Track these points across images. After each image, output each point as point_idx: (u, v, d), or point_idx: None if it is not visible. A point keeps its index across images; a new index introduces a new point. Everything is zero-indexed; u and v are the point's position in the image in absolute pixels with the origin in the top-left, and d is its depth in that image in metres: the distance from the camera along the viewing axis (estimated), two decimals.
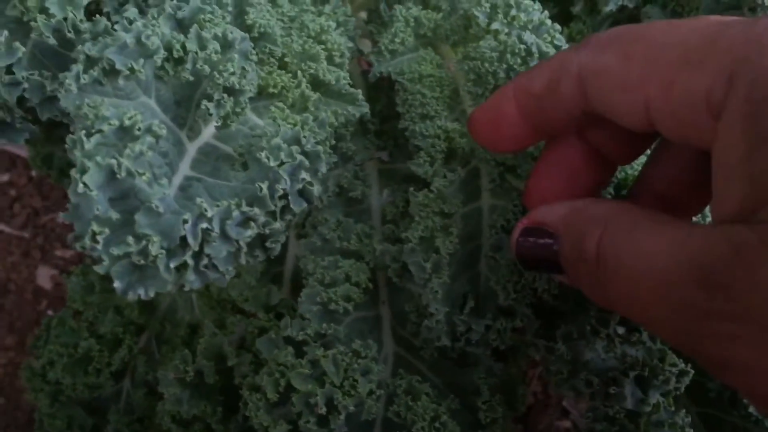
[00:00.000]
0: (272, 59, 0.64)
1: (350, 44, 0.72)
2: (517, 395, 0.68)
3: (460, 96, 0.68)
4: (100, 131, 0.47)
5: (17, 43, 0.58)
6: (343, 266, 0.67)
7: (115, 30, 0.55)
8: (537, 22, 0.64)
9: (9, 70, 0.58)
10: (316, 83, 0.65)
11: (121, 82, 0.49)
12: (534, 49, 0.61)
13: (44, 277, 1.48)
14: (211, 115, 0.54)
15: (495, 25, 0.63)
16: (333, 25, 0.70)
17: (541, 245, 0.47)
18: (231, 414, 0.77)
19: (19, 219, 1.51)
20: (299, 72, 0.64)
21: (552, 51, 0.62)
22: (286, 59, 0.66)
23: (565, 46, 0.63)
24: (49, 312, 1.47)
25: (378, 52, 0.73)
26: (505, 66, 0.62)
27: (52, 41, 0.59)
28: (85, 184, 0.45)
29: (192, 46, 0.53)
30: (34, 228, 1.51)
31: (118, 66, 0.49)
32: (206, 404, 0.74)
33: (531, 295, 0.58)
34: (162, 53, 0.50)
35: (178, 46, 0.52)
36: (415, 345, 0.67)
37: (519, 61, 0.62)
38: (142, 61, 0.50)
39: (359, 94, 0.66)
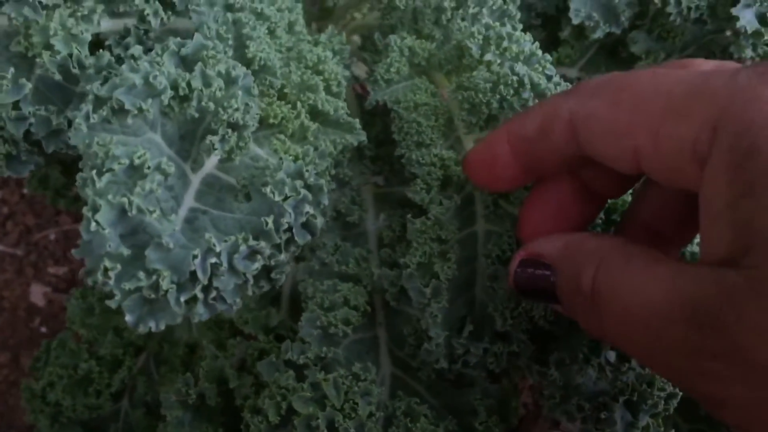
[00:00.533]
0: (272, 90, 0.66)
1: (346, 73, 0.74)
2: (510, 409, 0.70)
3: (454, 124, 0.70)
4: (110, 170, 0.48)
5: (23, 80, 0.59)
6: (342, 290, 0.69)
7: (121, 66, 0.57)
8: (528, 53, 0.67)
9: (16, 105, 0.60)
10: (315, 113, 0.67)
11: (129, 120, 0.51)
12: (526, 80, 0.63)
13: (37, 294, 1.49)
14: (215, 149, 0.55)
15: (488, 57, 0.66)
16: (330, 54, 0.72)
17: (539, 276, 0.49)
18: None
19: (11, 236, 1.52)
20: (298, 103, 0.66)
21: (543, 81, 0.64)
22: (285, 90, 0.67)
23: (556, 77, 0.65)
24: (43, 329, 1.47)
25: (374, 81, 0.75)
26: (498, 96, 0.64)
27: (57, 77, 0.61)
28: (97, 222, 0.47)
29: (197, 83, 0.54)
30: (27, 245, 1.52)
31: (127, 106, 0.50)
32: (208, 426, 0.75)
33: (527, 321, 0.60)
34: (169, 92, 0.52)
35: (183, 84, 0.54)
36: (413, 366, 0.69)
37: (511, 91, 0.64)
38: (150, 100, 0.51)
39: (357, 122, 0.68)
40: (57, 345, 0.90)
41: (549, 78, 0.66)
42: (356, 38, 0.92)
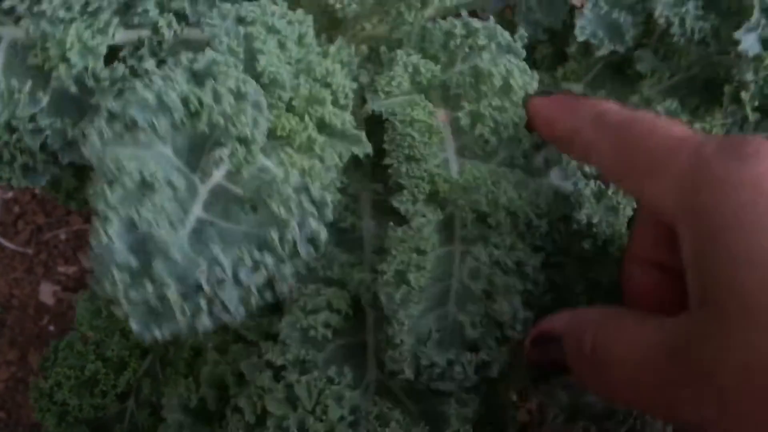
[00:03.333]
0: (281, 103, 0.68)
1: (354, 85, 0.75)
2: (507, 419, 0.70)
3: (444, 145, 0.71)
4: (122, 184, 0.50)
5: (41, 93, 0.61)
6: (325, 294, 0.70)
7: (134, 79, 0.58)
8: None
9: (32, 118, 0.61)
10: (322, 125, 0.69)
11: (141, 135, 0.53)
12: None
13: (47, 293, 1.51)
14: (224, 162, 0.57)
15: (491, 97, 0.67)
16: (339, 67, 0.73)
17: (551, 348, 0.56)
18: None
19: (22, 235, 1.54)
20: (306, 115, 0.67)
21: None
22: (294, 102, 0.69)
23: None
24: (51, 328, 1.50)
25: (374, 91, 0.76)
26: (495, 138, 0.66)
27: (73, 89, 0.62)
28: (107, 235, 0.48)
29: (207, 99, 0.56)
30: (37, 244, 1.54)
31: (140, 123, 0.52)
32: (208, 431, 0.77)
33: (496, 327, 0.61)
34: (180, 109, 0.54)
35: (194, 101, 0.55)
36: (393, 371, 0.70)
37: (511, 131, 0.66)
38: (161, 117, 0.53)
39: (363, 135, 0.69)
40: (65, 346, 0.92)
41: None
42: (364, 48, 0.94)
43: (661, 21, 0.77)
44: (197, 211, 0.59)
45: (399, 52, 0.77)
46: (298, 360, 0.65)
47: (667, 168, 0.48)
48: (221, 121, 0.56)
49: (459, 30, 0.75)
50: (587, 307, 0.57)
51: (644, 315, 0.50)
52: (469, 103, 0.70)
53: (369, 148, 0.70)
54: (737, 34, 0.71)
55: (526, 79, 0.69)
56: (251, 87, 0.58)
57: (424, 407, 0.68)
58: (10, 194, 1.56)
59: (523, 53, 0.76)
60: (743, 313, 0.41)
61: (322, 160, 0.65)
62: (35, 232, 1.54)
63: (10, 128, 0.61)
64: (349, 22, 0.93)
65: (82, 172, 1.06)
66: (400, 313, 0.61)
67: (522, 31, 0.76)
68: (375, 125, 0.83)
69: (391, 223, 0.67)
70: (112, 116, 0.52)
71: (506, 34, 0.75)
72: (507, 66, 0.70)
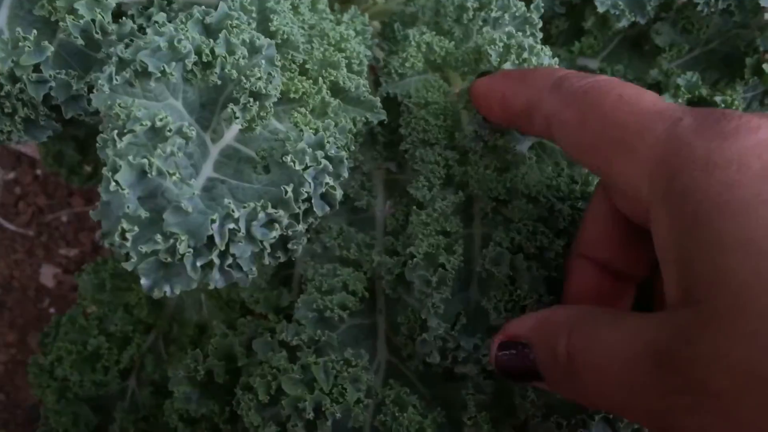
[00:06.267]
0: (294, 65, 0.66)
1: (368, 53, 0.73)
2: (514, 404, 0.69)
3: (461, 125, 0.70)
4: (131, 131, 0.48)
5: (46, 42, 0.59)
6: (342, 274, 0.69)
7: (144, 32, 0.56)
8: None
9: (36, 68, 0.60)
10: (336, 90, 0.67)
11: (152, 84, 0.51)
12: None
13: (47, 275, 1.49)
14: (237, 118, 0.55)
15: (506, 65, 0.65)
16: (353, 33, 0.71)
17: (519, 356, 0.50)
18: (238, 414, 0.77)
19: (23, 217, 1.52)
20: (320, 79, 0.66)
21: None
22: (307, 66, 0.67)
23: None
24: (52, 310, 1.48)
25: (387, 73, 0.75)
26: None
27: (79, 42, 0.60)
28: (116, 182, 0.46)
29: (221, 50, 0.54)
30: (39, 226, 1.52)
31: (150, 68, 0.50)
32: (215, 403, 0.75)
33: (520, 313, 0.59)
34: (193, 57, 0.52)
35: (207, 51, 0.53)
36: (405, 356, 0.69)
37: None
38: (173, 64, 0.51)
39: (378, 101, 0.67)
40: (67, 320, 0.90)
41: None
42: (376, 23, 0.92)
43: None
44: (208, 170, 0.57)
45: (412, 30, 0.75)
46: (313, 340, 0.63)
47: (640, 144, 0.43)
48: (234, 73, 0.54)
49: (471, 2, 0.73)
50: (553, 308, 0.51)
51: (617, 314, 0.45)
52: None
53: (384, 115, 0.68)
54: (763, 1, 0.70)
55: (539, 52, 0.67)
56: (265, 41, 0.56)
57: (438, 392, 0.67)
58: (11, 175, 1.54)
59: (539, 24, 0.74)
60: (737, 309, 0.36)
61: (336, 123, 0.63)
62: (36, 214, 1.52)
63: (14, 78, 0.59)
64: None
65: (85, 145, 1.05)
66: (434, 297, 0.60)
67: (538, 1, 0.75)
68: (388, 102, 0.81)
69: (415, 207, 0.65)
70: (122, 63, 0.50)
71: (521, 5, 0.73)
72: (517, 39, 0.68)
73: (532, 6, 0.74)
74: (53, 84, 0.60)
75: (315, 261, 0.73)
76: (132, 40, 0.62)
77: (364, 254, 0.71)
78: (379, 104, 0.67)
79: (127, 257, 0.48)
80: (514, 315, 0.60)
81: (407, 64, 0.74)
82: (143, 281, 0.48)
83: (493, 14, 0.73)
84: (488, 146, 0.66)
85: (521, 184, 0.65)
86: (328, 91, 0.66)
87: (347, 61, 0.69)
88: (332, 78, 0.66)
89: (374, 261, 0.70)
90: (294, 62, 0.66)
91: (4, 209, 1.52)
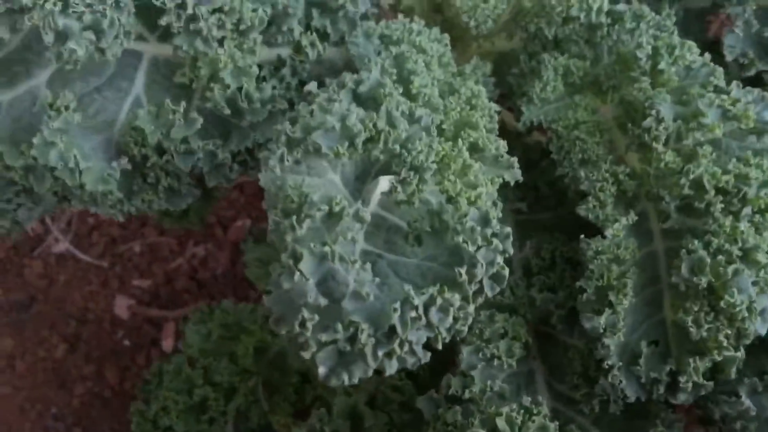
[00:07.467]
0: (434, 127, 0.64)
1: (497, 107, 0.72)
2: None
3: (615, 141, 0.68)
4: (309, 216, 0.47)
5: (195, 114, 0.58)
6: (499, 320, 0.67)
7: (284, 99, 0.55)
8: (699, 63, 0.65)
9: (184, 139, 0.59)
10: (474, 150, 0.65)
11: (323, 163, 0.50)
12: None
13: (121, 306, 1.49)
14: (398, 192, 0.54)
15: (661, 65, 0.64)
16: (483, 89, 0.70)
17: None
18: None
19: (97, 248, 1.52)
20: (459, 140, 0.64)
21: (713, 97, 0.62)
22: (444, 126, 0.65)
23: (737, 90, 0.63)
24: (126, 342, 1.47)
25: (528, 101, 0.73)
26: (659, 108, 0.63)
27: (226, 111, 0.59)
28: (300, 272, 0.45)
29: (382, 125, 0.52)
30: (112, 257, 1.52)
31: (323, 149, 0.49)
32: None
33: (728, 323, 0.56)
34: (363, 135, 0.50)
35: (370, 125, 0.52)
36: (575, 399, 0.67)
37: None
38: (346, 143, 0.50)
39: (515, 161, 0.65)
40: (172, 369, 0.89)
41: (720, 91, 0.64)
42: (489, 64, 0.90)
43: None
44: (360, 243, 0.56)
45: (545, 56, 0.74)
46: (485, 391, 0.62)
47: None
48: (396, 148, 0.53)
49: (604, 19, 0.71)
50: None
51: None
52: (621, 92, 0.68)
53: (519, 175, 0.66)
54: None
55: (691, 47, 0.66)
56: (423, 111, 0.55)
57: None
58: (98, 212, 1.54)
59: (675, 30, 0.72)
60: None
61: (481, 187, 0.62)
62: (110, 245, 1.52)
63: (160, 149, 0.58)
64: (469, 39, 0.90)
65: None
66: (606, 337, 0.58)
67: (669, 11, 0.74)
68: (512, 141, 0.80)
69: (582, 236, 0.63)
70: (291, 142, 0.49)
71: (653, 14, 0.71)
72: (665, 39, 0.66)
73: (663, 14, 0.73)
74: (201, 155, 0.59)
75: None
76: (274, 107, 0.61)
77: (519, 297, 0.70)
78: (517, 164, 0.66)
79: (305, 346, 0.47)
80: (718, 326, 0.56)
81: (549, 88, 0.73)
82: (321, 370, 0.47)
83: (628, 25, 0.71)
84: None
85: (706, 174, 0.61)
86: (468, 153, 0.64)
87: (483, 119, 0.67)
88: (471, 139, 0.64)
89: (537, 299, 0.68)
90: (434, 124, 0.64)
91: (78, 239, 1.53)
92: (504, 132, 0.76)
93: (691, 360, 0.56)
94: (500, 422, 0.58)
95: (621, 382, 0.58)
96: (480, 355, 0.63)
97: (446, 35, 0.74)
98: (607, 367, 0.58)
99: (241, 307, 0.89)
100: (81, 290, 1.51)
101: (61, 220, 1.55)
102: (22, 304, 1.49)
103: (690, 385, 0.57)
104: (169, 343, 1.46)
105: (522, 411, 0.59)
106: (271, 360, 0.94)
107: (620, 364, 0.57)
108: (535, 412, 0.59)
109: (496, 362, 0.62)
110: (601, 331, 0.58)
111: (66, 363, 1.46)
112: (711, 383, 0.57)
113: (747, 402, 0.57)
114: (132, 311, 1.51)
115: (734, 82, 0.64)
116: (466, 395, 0.61)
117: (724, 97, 0.62)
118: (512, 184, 0.75)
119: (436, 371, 0.76)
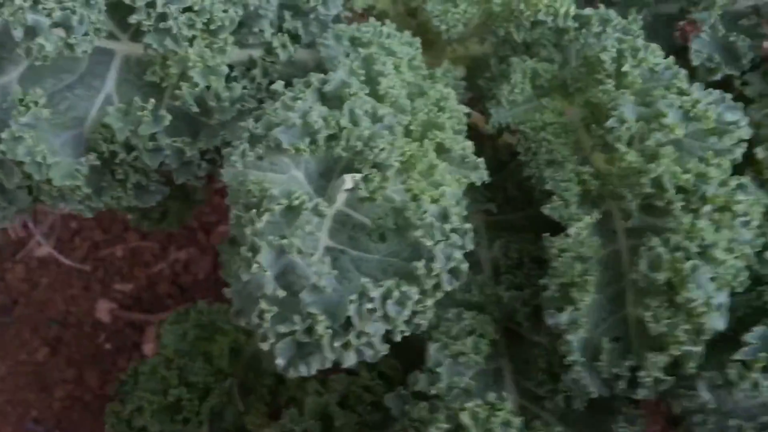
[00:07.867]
0: (399, 127, 0.65)
1: (466, 109, 0.73)
2: None
3: (581, 142, 0.69)
4: (269, 210, 0.47)
5: (163, 111, 0.59)
6: (467, 318, 0.68)
7: (254, 98, 0.56)
8: (664, 65, 0.66)
9: (152, 137, 0.60)
10: (441, 151, 0.66)
11: (284, 159, 0.50)
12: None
13: (103, 310, 1.49)
14: (360, 189, 0.54)
15: (625, 67, 0.65)
16: (452, 92, 0.71)
17: None
18: None
19: (79, 252, 1.52)
20: (426, 140, 0.65)
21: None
22: (411, 127, 0.66)
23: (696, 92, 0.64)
24: (107, 346, 1.47)
25: (497, 104, 0.74)
26: (622, 109, 0.64)
27: (194, 109, 0.60)
28: (258, 264, 0.46)
29: (345, 122, 0.53)
30: (95, 261, 1.52)
31: (284, 145, 0.50)
32: None
33: (686, 318, 0.56)
34: (324, 132, 0.51)
35: (333, 123, 0.53)
36: (540, 396, 0.67)
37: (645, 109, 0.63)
38: (307, 139, 0.51)
39: (482, 162, 0.66)
40: (148, 370, 0.90)
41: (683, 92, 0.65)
42: (461, 68, 0.91)
43: None
44: (324, 239, 0.56)
45: (514, 59, 0.75)
46: (450, 388, 0.63)
47: None
48: (359, 145, 0.54)
49: (571, 23, 0.73)
50: None
51: None
52: (587, 95, 0.69)
53: (486, 176, 0.67)
54: None
55: (654, 50, 0.67)
56: (386, 110, 0.56)
57: (583, 429, 0.66)
58: (67, 209, 1.54)
59: (641, 34, 0.73)
60: None
61: (450, 189, 0.63)
62: (92, 249, 1.52)
63: (129, 146, 0.59)
64: (443, 43, 0.91)
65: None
66: (569, 333, 0.59)
67: (636, 15, 0.75)
68: (481, 144, 0.81)
69: (546, 234, 0.64)
70: (253, 138, 0.50)
71: (619, 18, 0.73)
72: (629, 42, 0.67)
73: (630, 18, 0.74)
74: (168, 152, 0.60)
75: (435, 307, 0.72)
76: (243, 107, 0.62)
77: (487, 295, 0.71)
78: (483, 165, 0.67)
79: (264, 337, 0.47)
80: (676, 321, 0.56)
81: (516, 91, 0.74)
82: (279, 361, 0.48)
83: (594, 29, 0.73)
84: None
85: (666, 174, 0.61)
86: (434, 154, 0.65)
87: (450, 121, 0.68)
88: (437, 140, 0.65)
89: (504, 297, 0.69)
90: (400, 124, 0.65)
91: (61, 244, 1.53)
92: (475, 134, 0.77)
93: (650, 355, 0.57)
94: (464, 417, 0.58)
95: (583, 377, 0.59)
96: (447, 351, 0.63)
97: (418, 39, 0.75)
98: (569, 363, 0.58)
99: (216, 307, 0.89)
100: (63, 294, 1.51)
101: (44, 224, 1.54)
102: (4, 307, 1.49)
103: (650, 380, 0.57)
104: (150, 347, 1.46)
105: (487, 406, 0.60)
106: (246, 361, 0.95)
107: (583, 360, 0.58)
108: (499, 407, 0.60)
109: (462, 359, 0.63)
110: (564, 327, 0.58)
111: (47, 366, 1.46)
112: (671, 378, 0.58)
113: (705, 396, 0.58)
114: (114, 315, 1.51)
115: (695, 84, 0.65)
116: (433, 391, 0.61)
117: (686, 98, 0.63)
118: (479, 184, 0.76)
119: (408, 372, 0.77)
